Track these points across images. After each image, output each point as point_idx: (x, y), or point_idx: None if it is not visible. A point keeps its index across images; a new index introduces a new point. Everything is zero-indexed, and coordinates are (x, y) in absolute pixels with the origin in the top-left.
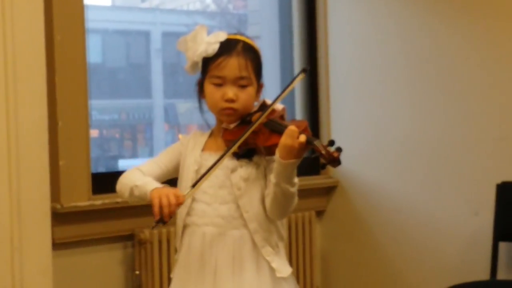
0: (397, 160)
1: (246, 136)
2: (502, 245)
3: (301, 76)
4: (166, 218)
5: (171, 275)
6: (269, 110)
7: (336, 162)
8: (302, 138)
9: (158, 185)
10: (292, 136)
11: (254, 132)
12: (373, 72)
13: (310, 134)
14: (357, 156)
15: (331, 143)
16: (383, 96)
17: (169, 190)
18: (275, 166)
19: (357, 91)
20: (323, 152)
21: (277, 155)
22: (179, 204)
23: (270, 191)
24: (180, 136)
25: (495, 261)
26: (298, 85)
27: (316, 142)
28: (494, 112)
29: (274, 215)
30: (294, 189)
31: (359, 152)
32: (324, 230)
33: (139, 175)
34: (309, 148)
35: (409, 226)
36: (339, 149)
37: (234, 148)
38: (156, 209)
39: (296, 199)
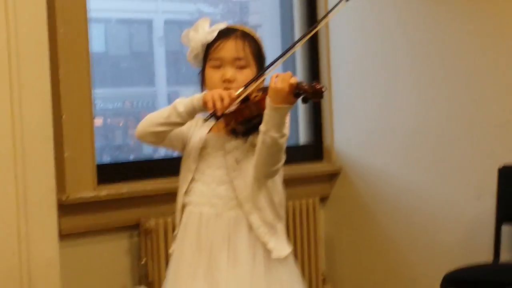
0: (400, 146)
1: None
2: (505, 228)
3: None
4: (219, 112)
5: (170, 251)
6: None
7: (318, 94)
8: (293, 80)
9: None
10: (285, 79)
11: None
12: (376, 59)
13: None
14: (360, 142)
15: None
16: (385, 82)
17: (221, 89)
18: (265, 113)
19: (360, 77)
20: (307, 87)
21: (268, 100)
22: (232, 99)
23: (258, 142)
24: None
25: (498, 244)
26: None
27: (300, 81)
28: (496, 98)
29: (260, 169)
30: (283, 140)
31: (361, 138)
32: (328, 216)
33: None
34: (297, 91)
35: (412, 211)
36: (322, 86)
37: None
38: (210, 104)
39: (284, 156)
